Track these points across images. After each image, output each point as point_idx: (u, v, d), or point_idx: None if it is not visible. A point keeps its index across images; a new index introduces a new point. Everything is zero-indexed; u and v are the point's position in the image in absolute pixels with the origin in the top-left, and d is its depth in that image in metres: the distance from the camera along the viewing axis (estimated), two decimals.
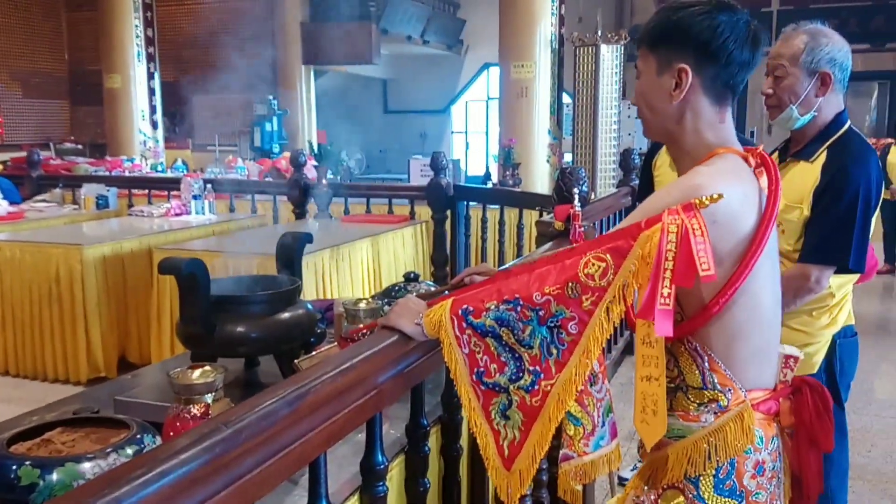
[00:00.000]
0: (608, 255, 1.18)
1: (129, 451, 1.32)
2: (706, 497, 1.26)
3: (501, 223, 5.34)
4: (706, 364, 1.26)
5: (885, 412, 4.22)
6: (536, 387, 1.25)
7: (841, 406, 2.15)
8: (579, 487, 1.62)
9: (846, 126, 2.05)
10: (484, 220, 5.46)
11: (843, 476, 2.21)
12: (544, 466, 2.36)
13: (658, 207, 1.19)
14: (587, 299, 1.19)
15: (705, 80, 1.29)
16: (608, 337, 1.23)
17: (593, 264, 1.19)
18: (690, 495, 1.27)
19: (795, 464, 1.36)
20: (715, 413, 1.27)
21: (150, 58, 10.53)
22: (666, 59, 1.30)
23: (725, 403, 1.26)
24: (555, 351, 1.23)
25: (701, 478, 1.26)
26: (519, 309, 1.23)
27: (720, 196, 1.14)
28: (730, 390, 1.26)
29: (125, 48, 10.19)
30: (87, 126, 12.86)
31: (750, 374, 1.29)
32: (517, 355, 1.26)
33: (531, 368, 1.25)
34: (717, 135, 1.31)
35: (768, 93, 2.06)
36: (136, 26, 10.22)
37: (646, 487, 1.35)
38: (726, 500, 1.26)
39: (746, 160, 1.32)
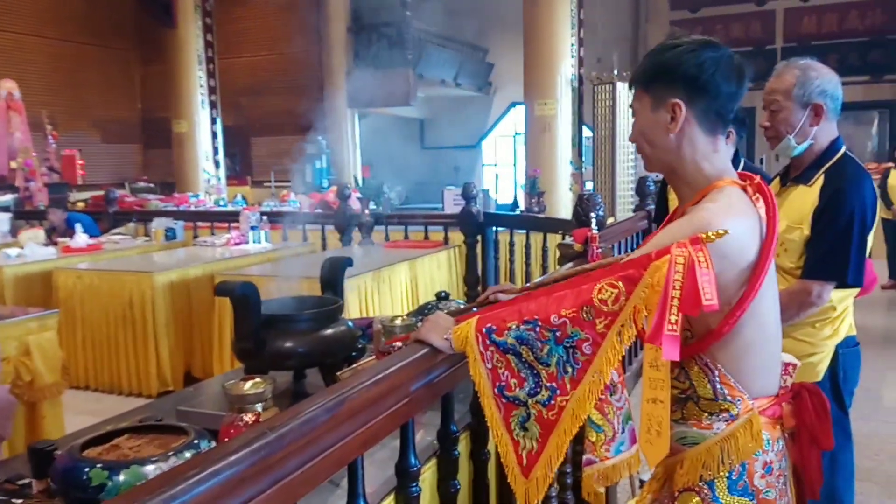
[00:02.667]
0: (620, 283, 1.18)
1: (188, 454, 1.34)
2: (721, 497, 1.25)
3: (527, 246, 5.32)
4: (717, 378, 1.25)
5: (891, 418, 4.09)
6: (553, 402, 1.24)
7: (845, 412, 2.10)
8: (602, 490, 1.60)
9: (841, 152, 2.02)
10: (511, 244, 5.45)
11: (850, 478, 2.15)
12: (569, 470, 2.33)
13: (669, 242, 1.19)
14: (601, 322, 1.19)
15: (697, 113, 1.28)
16: (620, 358, 1.22)
17: (607, 290, 1.18)
18: (707, 497, 1.25)
19: (798, 462, 1.34)
20: (726, 421, 1.25)
21: (212, 105, 10.79)
22: (660, 96, 1.30)
23: (736, 412, 1.25)
24: (570, 369, 1.22)
25: (716, 480, 1.25)
26: (538, 329, 1.23)
27: (725, 232, 1.14)
28: (739, 400, 1.25)
29: (190, 97, 10.47)
30: (158, 167, 13.18)
31: (757, 385, 1.28)
32: (536, 372, 1.25)
33: (548, 385, 1.24)
34: (713, 164, 1.30)
35: (766, 125, 2.04)
36: (200, 77, 10.51)
37: (663, 490, 1.33)
38: (740, 499, 1.25)
39: (745, 189, 1.31)
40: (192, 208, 8.27)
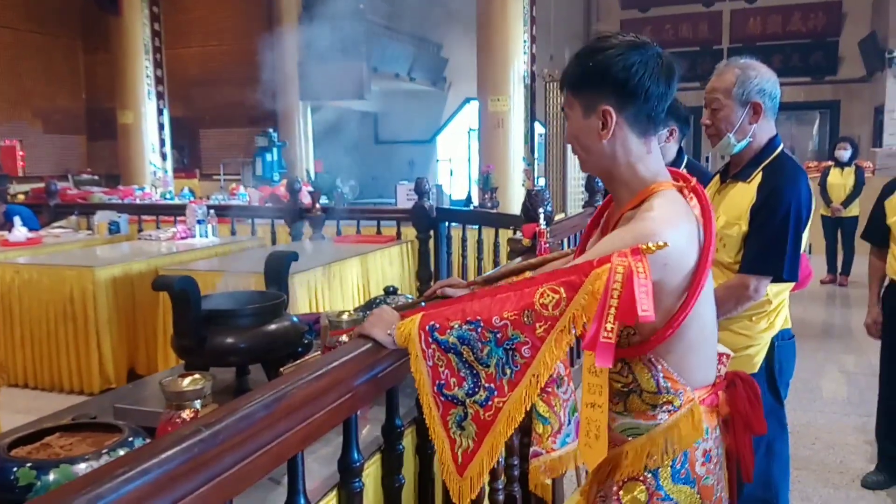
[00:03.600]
0: (562, 289, 1.18)
1: (121, 452, 1.30)
2: (665, 486, 1.28)
3: (480, 242, 5.34)
4: (660, 373, 1.28)
5: (828, 408, 4.23)
6: (490, 402, 1.25)
7: (780, 403, 2.16)
8: (549, 481, 1.62)
9: (779, 149, 2.08)
10: (464, 239, 5.46)
11: (785, 467, 2.22)
12: (516, 462, 2.35)
13: (611, 250, 1.20)
14: (540, 327, 1.20)
15: (629, 117, 1.29)
16: (558, 362, 1.23)
17: (548, 295, 1.19)
18: (651, 486, 1.28)
19: (733, 447, 1.38)
20: (669, 412, 1.28)
21: (159, 96, 10.52)
22: (590, 102, 1.30)
23: (679, 404, 1.28)
24: (508, 371, 1.23)
25: (660, 469, 1.28)
26: (480, 330, 1.24)
27: (665, 244, 1.15)
28: (682, 392, 1.28)
29: (136, 87, 10.19)
30: (103, 158, 12.80)
31: (697, 377, 1.31)
32: (475, 372, 1.26)
33: (487, 385, 1.25)
34: (647, 166, 1.32)
35: (707, 123, 2.09)
36: (147, 67, 10.23)
37: (608, 481, 1.35)
38: (682, 486, 1.28)
39: (682, 191, 1.33)
40: (138, 201, 8.06)
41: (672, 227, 1.22)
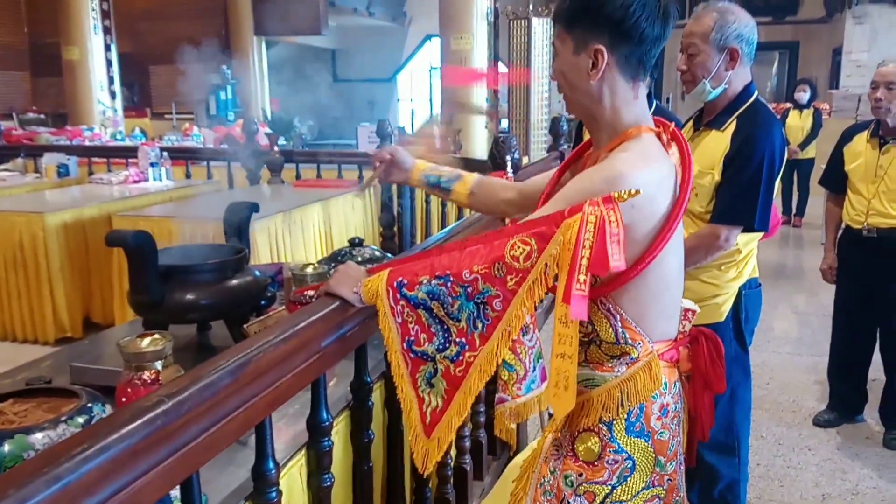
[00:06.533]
0: (533, 240, 1.16)
1: (80, 419, 1.25)
2: (619, 438, 1.27)
3: None
4: (619, 322, 1.26)
5: (781, 348, 4.36)
6: (461, 357, 1.23)
7: (745, 350, 2.19)
8: (513, 426, 1.62)
9: (753, 97, 2.05)
10: None
11: (747, 411, 2.27)
12: (482, 409, 2.37)
13: (580, 191, 1.18)
14: (511, 279, 1.17)
15: (620, 59, 1.25)
16: (530, 313, 1.21)
17: (519, 247, 1.16)
18: (605, 437, 1.28)
19: (692, 404, 1.38)
20: (626, 364, 1.28)
21: (106, 30, 10.00)
22: (582, 40, 1.25)
23: (636, 355, 1.27)
24: (480, 325, 1.21)
25: (615, 421, 1.27)
26: (449, 284, 1.21)
27: (637, 192, 1.12)
28: (640, 343, 1.27)
29: (81, 21, 9.65)
30: (49, 97, 12.21)
31: (657, 329, 1.29)
32: (446, 327, 1.24)
33: (458, 340, 1.23)
34: (632, 111, 1.28)
35: (682, 69, 2.04)
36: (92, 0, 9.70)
37: (563, 431, 1.35)
38: (636, 439, 1.28)
39: (659, 136, 1.29)
40: (87, 142, 7.74)
41: (639, 169, 1.19)
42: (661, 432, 1.29)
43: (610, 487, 1.27)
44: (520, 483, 1.43)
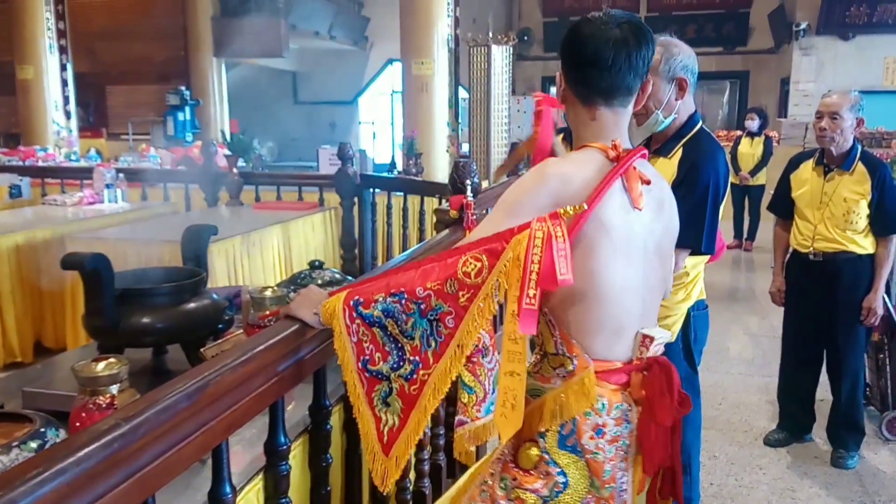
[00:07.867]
0: (484, 256, 1.19)
1: (33, 444, 1.24)
2: (551, 450, 1.31)
3: (405, 209, 5.30)
4: (558, 334, 1.31)
5: (734, 369, 4.47)
6: (415, 376, 1.25)
7: (695, 370, 2.26)
8: (473, 449, 1.64)
9: (698, 126, 2.13)
10: (389, 207, 5.39)
11: (697, 430, 2.33)
12: (441, 432, 2.38)
13: (516, 193, 1.29)
14: (463, 296, 1.20)
15: (570, 82, 1.38)
16: (481, 330, 1.24)
17: (470, 263, 1.20)
18: (542, 447, 1.31)
19: (639, 434, 1.37)
20: (563, 377, 1.31)
21: (62, 49, 9.88)
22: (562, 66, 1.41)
23: (571, 368, 1.30)
24: (433, 342, 1.23)
25: (548, 433, 1.31)
26: (403, 302, 1.23)
27: (582, 207, 1.19)
28: (576, 357, 1.30)
29: (36, 40, 9.53)
30: (1, 116, 11.94)
31: (597, 346, 1.31)
32: (400, 345, 1.26)
33: (412, 358, 1.25)
34: (588, 131, 1.37)
35: None
36: (48, 18, 9.57)
37: (510, 441, 1.37)
38: (568, 454, 1.30)
39: (606, 152, 1.34)
40: (40, 163, 7.57)
41: (568, 168, 1.30)
42: (596, 453, 1.30)
43: (542, 500, 1.30)
44: (467, 483, 1.47)
